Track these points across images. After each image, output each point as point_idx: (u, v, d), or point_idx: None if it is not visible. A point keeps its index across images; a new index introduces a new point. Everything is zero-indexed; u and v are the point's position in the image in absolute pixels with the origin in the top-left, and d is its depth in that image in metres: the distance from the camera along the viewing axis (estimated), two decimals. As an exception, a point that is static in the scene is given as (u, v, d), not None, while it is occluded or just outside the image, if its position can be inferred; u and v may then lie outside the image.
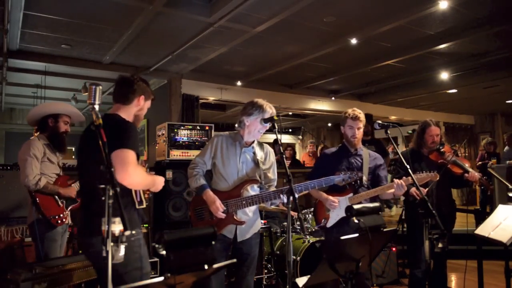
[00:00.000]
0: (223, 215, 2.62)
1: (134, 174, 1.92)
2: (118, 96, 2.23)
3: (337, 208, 3.03)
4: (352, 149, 3.16)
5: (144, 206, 2.13)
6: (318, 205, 3.20)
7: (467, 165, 3.33)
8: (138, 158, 2.04)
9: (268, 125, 2.67)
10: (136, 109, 2.26)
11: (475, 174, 3.25)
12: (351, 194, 3.04)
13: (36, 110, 3.34)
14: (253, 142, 2.82)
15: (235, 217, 2.66)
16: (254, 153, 2.81)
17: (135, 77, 2.27)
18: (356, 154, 3.17)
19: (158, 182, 2.19)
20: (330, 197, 3.03)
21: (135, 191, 2.09)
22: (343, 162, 3.12)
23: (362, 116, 3.11)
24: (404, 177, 2.92)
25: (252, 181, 2.73)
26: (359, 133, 3.11)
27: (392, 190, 2.95)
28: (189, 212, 2.81)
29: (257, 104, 2.70)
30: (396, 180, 2.90)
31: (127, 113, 2.21)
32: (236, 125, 2.83)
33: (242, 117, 2.75)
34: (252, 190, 2.76)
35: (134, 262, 2.00)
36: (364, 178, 3.02)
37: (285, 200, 2.49)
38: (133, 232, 1.97)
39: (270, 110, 2.70)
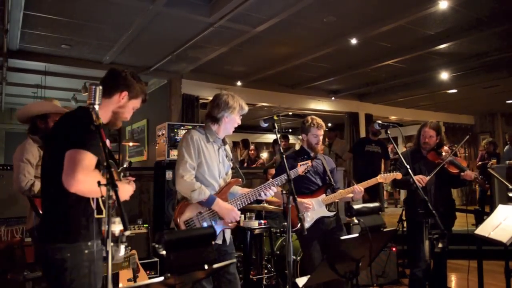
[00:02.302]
0: (238, 220, 2.49)
1: (83, 181, 1.64)
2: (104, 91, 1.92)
3: (311, 210, 3.16)
4: (313, 154, 3.33)
5: (103, 216, 1.76)
6: (292, 209, 3.22)
7: (464, 165, 3.35)
8: (101, 163, 1.78)
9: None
10: (115, 106, 1.98)
11: (470, 173, 3.27)
12: (323, 195, 3.22)
13: (21, 111, 3.17)
14: (224, 138, 2.69)
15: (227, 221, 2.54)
16: (225, 149, 2.71)
17: (125, 71, 2.03)
18: (316, 158, 3.36)
19: (123, 192, 1.83)
20: (304, 200, 3.13)
21: (92, 198, 1.81)
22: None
23: (324, 125, 3.32)
24: (359, 184, 3.16)
25: (236, 181, 2.63)
26: (321, 140, 3.34)
27: (351, 195, 3.15)
28: (179, 226, 2.45)
29: (235, 99, 2.61)
30: (355, 186, 3.13)
31: (105, 108, 1.93)
32: (208, 121, 2.62)
33: (221, 112, 2.57)
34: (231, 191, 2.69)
35: (83, 278, 1.77)
36: (332, 180, 3.32)
37: (273, 193, 2.59)
38: (89, 243, 1.79)
39: (246, 107, 2.68)
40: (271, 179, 2.67)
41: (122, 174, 2.03)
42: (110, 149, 2.04)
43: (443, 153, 3.40)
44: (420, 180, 3.18)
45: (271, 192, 2.60)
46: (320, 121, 3.30)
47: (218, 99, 2.61)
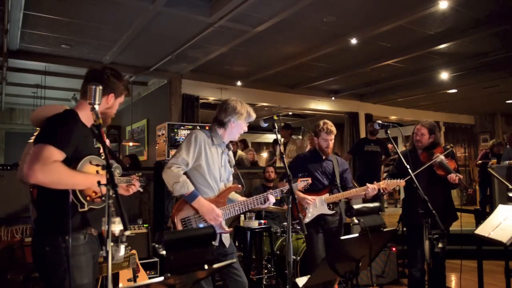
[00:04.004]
0: (219, 221, 2.48)
1: (40, 171, 1.67)
2: (83, 91, 1.99)
3: (312, 206, 3.34)
4: (324, 156, 3.50)
5: (86, 209, 1.82)
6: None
7: (452, 168, 3.33)
8: (82, 157, 1.82)
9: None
10: (102, 108, 2.00)
11: (454, 177, 3.25)
12: (327, 195, 3.39)
13: (35, 112, 3.26)
14: (228, 143, 2.70)
15: (223, 226, 2.53)
16: (228, 154, 2.71)
17: (106, 72, 2.04)
18: (327, 159, 3.53)
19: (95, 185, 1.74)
20: (307, 196, 3.32)
21: (69, 191, 1.81)
22: (317, 166, 3.47)
23: (334, 129, 3.46)
24: (375, 182, 3.27)
25: (236, 187, 2.64)
26: (331, 144, 3.48)
27: (364, 193, 3.28)
28: (175, 224, 2.47)
29: (243, 106, 2.62)
30: (368, 185, 3.23)
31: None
32: (215, 125, 2.63)
33: (228, 117, 2.58)
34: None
35: (62, 272, 1.78)
36: (338, 181, 3.46)
37: (272, 202, 2.63)
38: (66, 237, 1.78)
39: (254, 114, 2.68)
40: (271, 190, 2.69)
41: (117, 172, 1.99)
42: (110, 148, 2.04)
43: (435, 154, 3.40)
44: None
45: (270, 201, 2.62)
46: (330, 126, 3.43)
47: (226, 104, 2.62)
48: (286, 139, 7.76)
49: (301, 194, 3.31)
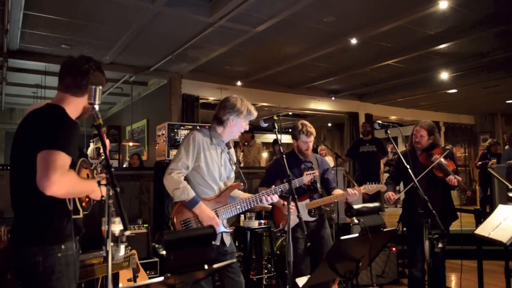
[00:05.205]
0: (218, 228, 2.47)
1: (59, 182, 1.56)
2: (66, 85, 1.87)
3: (293, 213, 3.14)
4: (302, 157, 3.38)
5: (81, 216, 1.76)
6: (275, 210, 3.39)
7: (450, 169, 3.32)
8: (77, 161, 1.76)
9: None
10: (86, 102, 1.79)
11: (453, 179, 3.23)
12: (307, 200, 3.25)
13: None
14: (228, 142, 2.67)
15: (225, 225, 2.52)
16: (228, 153, 2.67)
17: (91, 64, 1.93)
18: (305, 160, 3.38)
19: (98, 190, 1.69)
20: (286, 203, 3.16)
21: (68, 198, 1.72)
22: (296, 169, 3.27)
23: (314, 131, 3.33)
24: (356, 187, 3.16)
25: (237, 185, 2.60)
26: (311, 146, 3.35)
27: (345, 197, 3.13)
28: (175, 226, 2.44)
29: (244, 103, 2.56)
30: (349, 190, 3.11)
31: (75, 105, 1.86)
32: (214, 123, 2.58)
33: (227, 115, 2.51)
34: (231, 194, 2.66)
35: (55, 282, 1.69)
36: (318, 185, 3.29)
37: (275, 200, 2.57)
38: (63, 246, 1.71)
39: (255, 112, 2.62)
40: (273, 186, 2.62)
41: (95, 171, 1.95)
42: (81, 147, 1.95)
43: (434, 155, 3.39)
44: (390, 197, 3.25)
45: (273, 199, 2.57)
46: (310, 128, 3.30)
47: (226, 101, 2.56)
48: (248, 142, 6.95)
49: (281, 201, 3.13)
